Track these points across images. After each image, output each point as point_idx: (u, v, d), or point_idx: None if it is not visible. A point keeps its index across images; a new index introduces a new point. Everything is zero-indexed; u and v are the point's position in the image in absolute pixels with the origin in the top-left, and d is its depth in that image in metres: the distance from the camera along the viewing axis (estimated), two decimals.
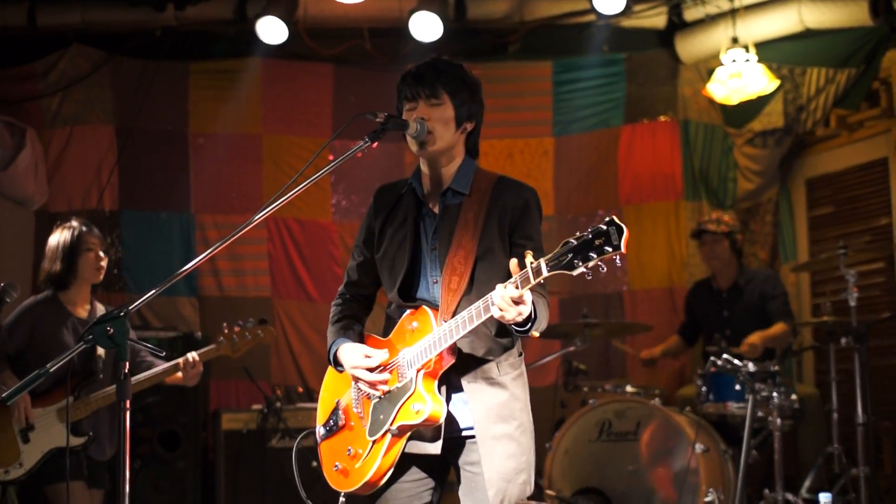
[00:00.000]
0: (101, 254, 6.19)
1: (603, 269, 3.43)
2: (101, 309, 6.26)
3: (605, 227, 3.42)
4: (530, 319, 3.71)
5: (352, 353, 4.07)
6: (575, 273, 3.45)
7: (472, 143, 4.21)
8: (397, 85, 4.16)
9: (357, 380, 4.06)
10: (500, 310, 3.56)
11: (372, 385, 4.00)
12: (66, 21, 9.19)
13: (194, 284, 9.23)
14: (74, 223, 6.24)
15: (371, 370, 4.01)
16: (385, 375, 3.97)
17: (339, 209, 9.56)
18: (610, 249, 3.39)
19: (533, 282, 3.51)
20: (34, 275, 8.31)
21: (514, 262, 3.57)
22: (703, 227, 8.22)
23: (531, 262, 3.51)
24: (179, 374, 6.06)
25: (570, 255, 3.44)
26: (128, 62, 9.44)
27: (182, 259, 9.11)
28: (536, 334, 3.83)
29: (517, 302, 3.55)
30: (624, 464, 7.37)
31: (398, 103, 4.15)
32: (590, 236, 3.43)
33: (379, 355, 4.01)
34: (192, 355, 5.98)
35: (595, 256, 3.40)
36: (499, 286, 3.57)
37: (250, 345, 6.18)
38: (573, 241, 3.46)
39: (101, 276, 6.25)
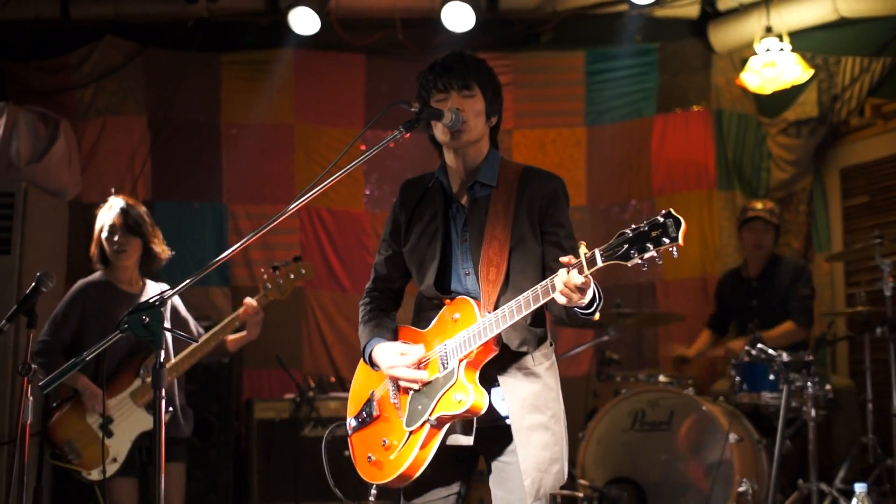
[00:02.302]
0: (116, 237, 6.07)
1: (659, 260, 3.42)
2: (151, 287, 6.23)
3: (661, 220, 3.39)
4: (594, 301, 3.71)
5: (387, 353, 4.08)
6: (630, 264, 3.44)
7: (493, 138, 4.24)
8: (421, 76, 4.16)
9: (395, 378, 4.07)
10: (564, 295, 3.56)
11: (410, 381, 4.00)
12: (99, 13, 9.23)
13: (226, 274, 9.26)
14: (109, 200, 6.24)
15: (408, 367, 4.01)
16: (423, 374, 3.97)
17: (372, 199, 9.57)
18: (668, 241, 3.36)
19: (587, 272, 3.50)
20: (68, 265, 8.36)
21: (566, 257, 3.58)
22: (758, 214, 8.13)
23: (585, 252, 3.51)
24: (242, 332, 6.04)
25: (625, 246, 3.44)
26: (160, 53, 9.48)
27: (214, 249, 9.14)
28: (598, 316, 3.80)
29: (581, 288, 3.54)
30: (657, 454, 7.36)
31: (423, 94, 4.15)
32: (646, 228, 3.41)
33: (415, 352, 4.01)
34: (250, 301, 5.94)
35: (652, 248, 3.39)
36: (562, 271, 3.55)
37: (295, 283, 6.08)
38: (629, 232, 3.45)
39: (121, 259, 6.09)
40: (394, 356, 4.04)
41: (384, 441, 4.08)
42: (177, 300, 6.24)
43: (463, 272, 4.09)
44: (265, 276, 6.01)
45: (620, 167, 9.65)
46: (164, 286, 6.16)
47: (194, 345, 5.90)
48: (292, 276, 6.03)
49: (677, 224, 3.36)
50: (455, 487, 4.16)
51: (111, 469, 5.81)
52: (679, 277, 9.39)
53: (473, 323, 3.91)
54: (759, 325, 7.57)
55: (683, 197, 9.40)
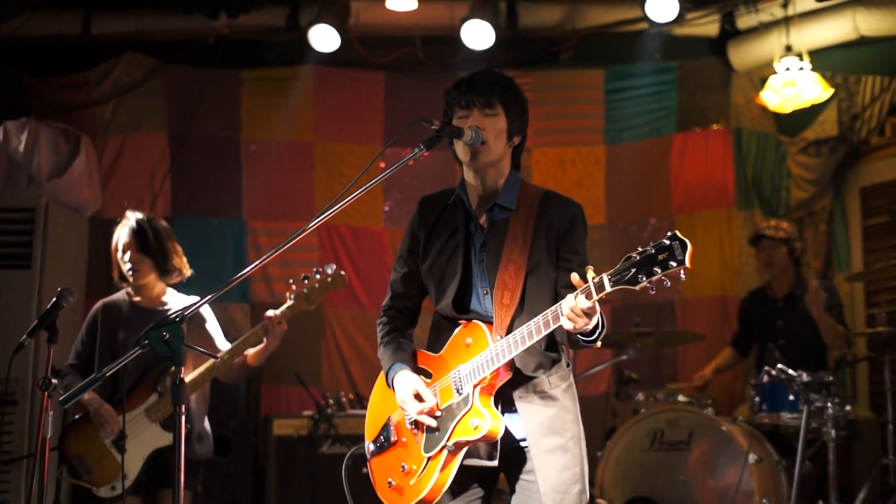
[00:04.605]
0: (127, 256, 6.00)
1: (667, 283, 3.42)
2: (175, 300, 6.14)
3: (667, 242, 3.39)
4: (597, 329, 3.72)
5: (405, 388, 4.05)
6: (638, 288, 3.44)
7: (516, 157, 4.22)
8: (447, 93, 4.16)
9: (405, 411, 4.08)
10: (570, 320, 3.57)
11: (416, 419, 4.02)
12: (120, 29, 9.31)
13: (246, 291, 9.26)
14: (126, 215, 6.16)
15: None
16: (432, 422, 3.96)
17: (391, 216, 9.58)
18: (675, 264, 3.37)
19: (596, 297, 3.50)
20: (88, 280, 8.38)
21: (575, 277, 3.56)
22: (762, 233, 8.10)
23: (593, 277, 3.50)
24: (260, 345, 5.78)
25: (633, 270, 3.44)
26: (181, 70, 9.52)
27: (234, 265, 9.14)
28: (599, 344, 3.82)
29: (587, 313, 3.55)
30: (676, 473, 7.32)
31: (447, 110, 4.15)
32: (652, 251, 3.41)
33: (430, 400, 3.98)
34: (275, 312, 5.69)
35: (659, 271, 3.39)
36: (569, 296, 3.57)
37: (324, 294, 5.82)
38: (635, 255, 3.45)
39: (135, 278, 6.01)
40: (409, 395, 4.02)
41: (403, 466, 4.08)
42: (208, 315, 6.14)
43: (482, 292, 4.08)
44: (293, 287, 5.78)
45: (639, 185, 9.65)
46: (194, 298, 6.09)
47: (212, 361, 5.79)
48: (318, 287, 5.78)
49: (683, 247, 3.36)
50: None
51: (120, 487, 5.73)
52: (698, 296, 9.37)
53: (485, 348, 3.91)
54: (781, 346, 7.54)
55: (703, 216, 9.39)
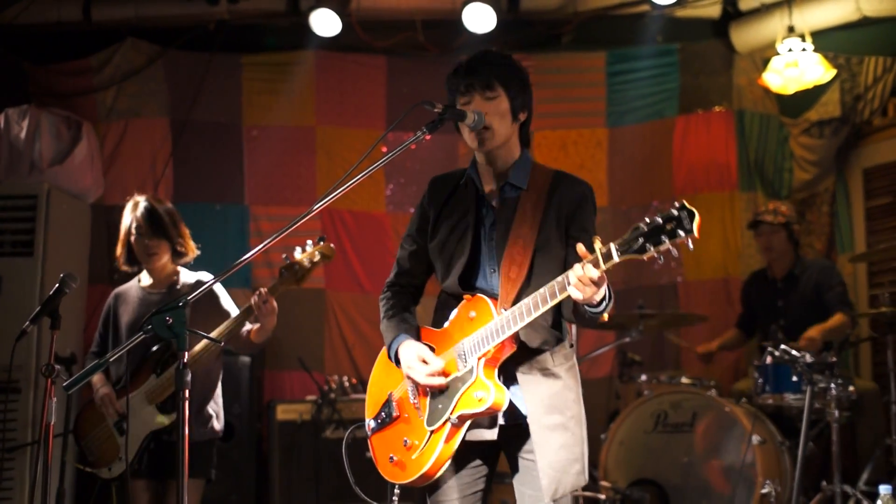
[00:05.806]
0: (146, 240, 5.95)
1: (675, 253, 3.41)
2: (185, 277, 6.10)
3: (675, 212, 3.40)
4: (604, 300, 3.71)
5: (410, 354, 4.05)
6: (646, 257, 3.44)
7: (524, 133, 4.23)
8: (447, 79, 4.15)
9: (412, 380, 4.06)
10: (578, 289, 3.56)
11: (425, 386, 4.00)
12: (120, 15, 9.28)
13: (248, 276, 9.25)
14: (135, 198, 6.10)
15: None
16: (441, 381, 3.96)
17: (393, 200, 9.57)
18: (683, 234, 3.37)
19: (603, 266, 3.49)
20: (90, 267, 8.39)
21: (581, 247, 3.56)
22: (760, 219, 8.10)
23: (600, 247, 3.50)
24: (256, 324, 5.74)
25: (640, 240, 3.44)
26: (182, 56, 9.50)
27: (236, 250, 9.12)
28: (606, 317, 3.81)
29: (596, 283, 3.54)
30: (679, 455, 7.34)
31: (450, 98, 4.14)
32: (660, 221, 3.41)
33: (436, 363, 3.98)
34: (262, 290, 5.60)
35: (667, 240, 3.39)
36: (577, 265, 3.55)
37: (314, 268, 5.64)
38: (643, 225, 3.45)
39: (151, 261, 5.98)
40: (415, 360, 4.02)
41: (405, 441, 4.09)
42: (220, 291, 6.06)
43: (490, 270, 4.09)
44: (287, 262, 5.61)
45: (642, 168, 9.63)
46: (202, 274, 6.13)
47: (206, 340, 5.71)
48: (306, 261, 5.60)
49: (691, 216, 3.37)
50: (480, 484, 4.17)
51: (119, 467, 5.72)
52: (701, 278, 9.37)
53: (490, 321, 3.90)
54: (782, 326, 7.54)
55: (705, 198, 9.37)
